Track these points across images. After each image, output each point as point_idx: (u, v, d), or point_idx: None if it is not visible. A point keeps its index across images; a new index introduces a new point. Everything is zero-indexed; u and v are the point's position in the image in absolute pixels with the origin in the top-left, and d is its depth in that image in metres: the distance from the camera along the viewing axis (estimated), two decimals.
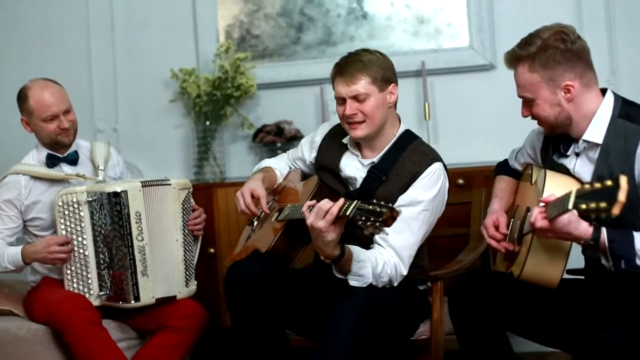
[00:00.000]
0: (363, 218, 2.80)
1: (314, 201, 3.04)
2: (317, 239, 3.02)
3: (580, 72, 2.84)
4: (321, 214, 2.96)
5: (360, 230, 2.93)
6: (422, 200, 3.24)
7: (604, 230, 2.69)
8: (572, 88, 2.83)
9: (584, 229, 2.68)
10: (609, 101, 2.88)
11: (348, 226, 3.05)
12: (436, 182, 3.27)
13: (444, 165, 3.34)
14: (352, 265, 3.12)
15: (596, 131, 2.85)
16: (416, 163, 3.29)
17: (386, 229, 2.88)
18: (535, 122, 3.00)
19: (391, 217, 2.76)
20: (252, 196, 3.40)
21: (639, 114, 2.83)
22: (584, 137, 2.87)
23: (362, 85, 3.23)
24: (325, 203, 2.98)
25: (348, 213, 2.87)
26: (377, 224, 2.77)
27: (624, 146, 2.79)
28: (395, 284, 3.23)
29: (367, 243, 3.24)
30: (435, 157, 3.33)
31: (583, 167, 2.90)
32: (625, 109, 2.85)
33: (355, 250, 3.15)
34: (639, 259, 2.68)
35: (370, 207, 2.80)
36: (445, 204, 3.37)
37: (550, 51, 2.82)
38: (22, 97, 3.69)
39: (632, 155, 2.77)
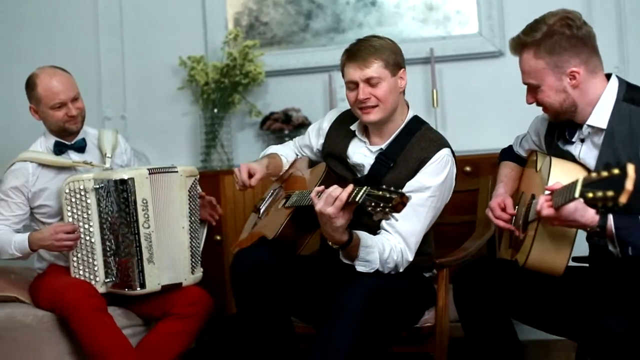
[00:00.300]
0: (373, 204, 2.79)
1: (323, 187, 3.04)
2: (326, 224, 3.01)
3: (585, 58, 2.82)
4: (330, 200, 2.96)
5: (368, 217, 2.94)
6: (429, 186, 3.24)
7: (610, 217, 2.68)
8: (577, 74, 2.82)
9: (591, 216, 2.67)
10: (613, 85, 2.86)
11: (356, 213, 3.04)
12: (444, 168, 3.27)
13: (452, 152, 3.33)
14: (359, 251, 3.12)
15: (600, 116, 2.84)
16: (424, 149, 3.29)
17: (395, 214, 2.88)
18: (541, 108, 2.99)
19: (401, 202, 2.75)
20: (250, 174, 3.40)
21: None
22: (588, 122, 2.86)
23: (375, 68, 3.23)
24: (335, 189, 2.98)
25: (357, 199, 2.86)
26: (387, 209, 2.76)
27: (629, 129, 2.77)
28: (401, 270, 3.23)
29: (374, 230, 3.24)
30: (443, 143, 3.32)
31: (588, 152, 2.89)
32: (629, 93, 2.84)
33: (363, 235, 3.15)
34: None
35: (380, 192, 2.79)
36: (452, 191, 3.37)
37: (556, 37, 2.80)
38: (30, 84, 3.69)
39: (637, 139, 2.76)
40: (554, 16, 2.84)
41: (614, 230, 2.68)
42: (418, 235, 3.25)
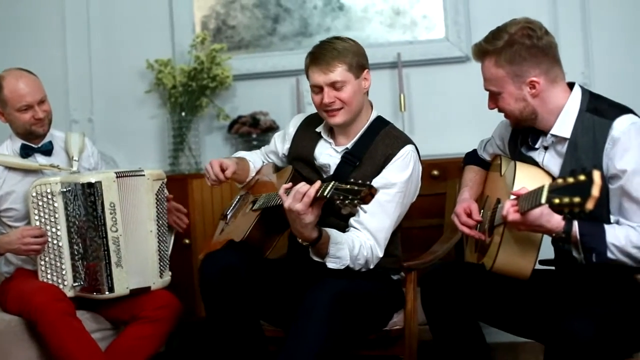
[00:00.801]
0: (341, 197, 2.80)
1: (290, 184, 3.06)
2: (295, 221, 3.02)
3: (546, 69, 2.83)
4: (299, 197, 2.97)
5: (335, 217, 2.98)
6: (395, 182, 3.26)
7: (575, 223, 2.71)
8: (537, 84, 2.83)
9: (556, 221, 2.69)
10: (576, 95, 2.88)
11: (324, 213, 3.07)
12: (409, 164, 3.30)
13: (417, 149, 3.36)
14: (329, 248, 3.14)
15: (564, 125, 2.85)
16: (389, 146, 3.32)
17: (364, 207, 2.93)
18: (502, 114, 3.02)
19: (369, 194, 2.76)
20: (222, 168, 3.43)
21: (607, 107, 2.83)
22: (552, 131, 2.88)
23: (339, 73, 3.25)
24: (302, 186, 3.00)
25: (325, 193, 2.87)
26: (356, 201, 2.77)
27: (592, 140, 2.79)
28: (372, 267, 3.25)
29: (342, 229, 3.25)
30: (407, 140, 3.36)
31: (551, 160, 2.91)
32: (592, 103, 2.85)
33: (332, 232, 3.17)
34: (610, 252, 2.70)
35: (348, 186, 2.80)
36: (420, 194, 3.40)
37: (516, 47, 2.81)
38: None
39: (600, 150, 2.77)
40: (516, 25, 2.85)
41: (578, 237, 2.71)
42: (387, 231, 3.27)
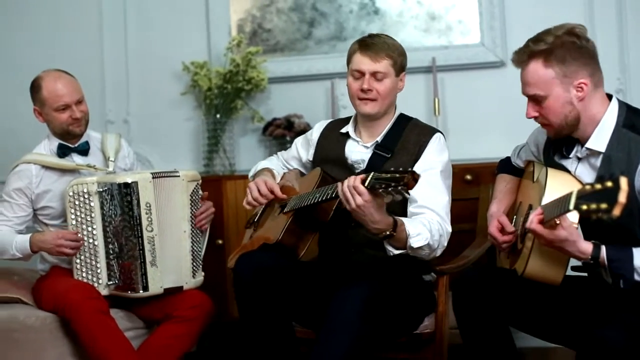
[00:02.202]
0: (383, 185, 2.82)
1: (345, 186, 3.02)
2: (370, 214, 3.00)
3: (591, 71, 2.82)
4: (351, 192, 2.97)
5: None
6: (438, 162, 3.33)
7: (603, 248, 2.73)
8: (585, 86, 2.81)
9: (583, 248, 2.72)
10: (613, 109, 2.86)
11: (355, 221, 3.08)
12: (443, 149, 3.39)
13: (444, 137, 3.45)
14: (407, 228, 3.12)
15: (600, 139, 2.84)
16: (420, 134, 3.39)
17: (413, 195, 3.03)
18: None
19: (413, 179, 2.77)
20: (267, 187, 3.44)
21: None
22: (587, 144, 2.86)
23: (384, 65, 3.32)
24: (344, 183, 2.99)
25: (366, 184, 2.88)
26: (399, 187, 2.78)
27: (627, 157, 2.78)
28: (445, 243, 3.25)
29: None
30: (435, 129, 3.46)
31: (584, 171, 2.90)
32: (629, 118, 2.84)
33: (399, 217, 3.15)
34: (637, 274, 2.71)
35: (389, 175, 2.82)
36: (452, 200, 3.40)
37: (567, 46, 2.80)
38: (35, 87, 3.72)
39: (634, 168, 2.76)
40: (561, 28, 2.84)
41: (606, 263, 2.72)
42: (446, 206, 3.30)
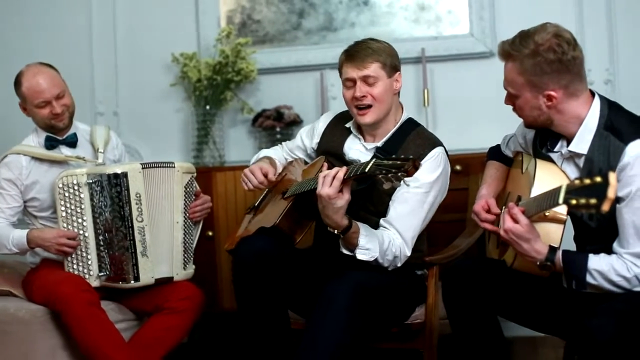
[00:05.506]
0: (384, 171, 2.83)
1: (327, 171, 3.08)
2: (327, 207, 3.06)
3: (565, 83, 2.82)
4: (328, 181, 3.02)
5: (364, 213, 3.14)
6: (424, 182, 3.30)
7: (559, 251, 2.78)
8: (553, 98, 2.83)
9: (539, 247, 2.77)
10: (595, 109, 2.86)
11: (353, 207, 3.14)
12: (439, 165, 3.34)
13: (446, 151, 3.41)
14: (359, 239, 3.16)
15: (582, 142, 2.85)
16: (420, 146, 3.36)
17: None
18: None
19: (414, 166, 2.79)
20: (262, 173, 3.47)
21: (625, 125, 2.82)
22: (570, 147, 2.88)
23: (373, 69, 3.32)
24: (332, 170, 3.04)
25: (367, 170, 2.89)
26: (399, 174, 2.80)
27: (607, 161, 2.79)
28: (399, 264, 3.28)
29: (372, 224, 3.28)
30: (437, 142, 3.41)
31: (567, 169, 2.92)
32: (610, 119, 2.84)
33: (363, 225, 3.20)
34: (590, 276, 2.75)
35: (390, 162, 2.83)
36: (445, 193, 3.42)
37: (539, 59, 2.80)
38: (17, 82, 3.72)
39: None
40: (545, 34, 2.82)
41: (562, 264, 2.76)
42: (414, 230, 3.31)
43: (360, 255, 3.18)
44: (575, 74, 2.83)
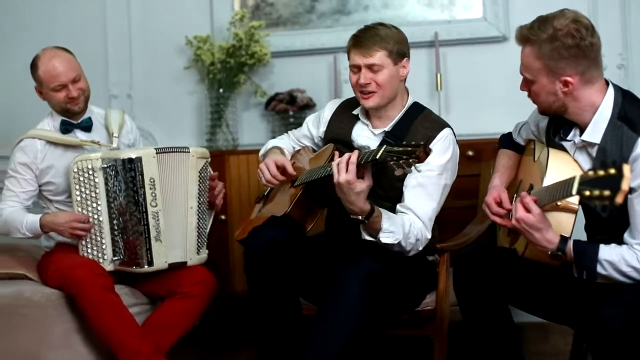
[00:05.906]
0: (395, 158, 2.84)
1: (340, 158, 3.09)
2: (348, 194, 3.06)
3: (582, 69, 2.82)
4: (343, 167, 3.03)
5: (378, 199, 3.11)
6: (437, 165, 3.32)
7: (570, 241, 2.78)
8: (570, 84, 2.83)
9: (550, 237, 2.78)
10: (609, 98, 2.86)
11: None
12: (448, 147, 3.36)
13: (454, 132, 3.43)
14: (382, 222, 3.17)
15: (595, 131, 2.85)
16: (428, 129, 3.38)
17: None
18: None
19: (424, 152, 2.80)
20: (277, 166, 3.47)
21: (637, 115, 2.82)
22: (584, 136, 2.88)
23: (378, 57, 3.31)
24: (343, 157, 3.05)
25: (378, 156, 2.90)
26: (411, 160, 2.81)
27: (620, 151, 2.79)
28: (421, 248, 3.30)
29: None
30: (444, 124, 3.43)
31: (580, 158, 2.92)
32: (624, 109, 2.84)
33: (382, 209, 3.20)
34: (601, 267, 2.76)
35: (401, 148, 2.85)
36: (455, 175, 3.43)
37: (558, 43, 2.79)
38: (33, 66, 3.74)
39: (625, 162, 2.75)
40: (564, 20, 2.81)
41: (572, 254, 2.77)
42: (432, 212, 3.33)
43: (385, 238, 3.18)
44: (592, 60, 2.83)
